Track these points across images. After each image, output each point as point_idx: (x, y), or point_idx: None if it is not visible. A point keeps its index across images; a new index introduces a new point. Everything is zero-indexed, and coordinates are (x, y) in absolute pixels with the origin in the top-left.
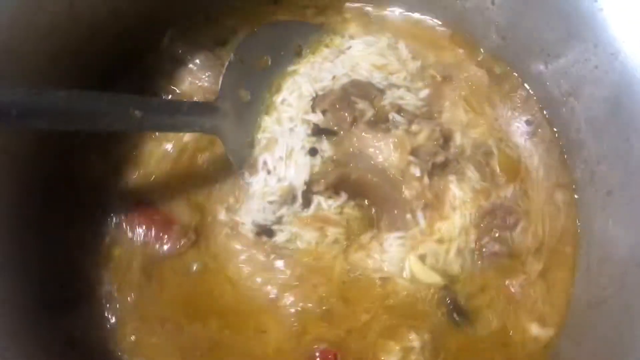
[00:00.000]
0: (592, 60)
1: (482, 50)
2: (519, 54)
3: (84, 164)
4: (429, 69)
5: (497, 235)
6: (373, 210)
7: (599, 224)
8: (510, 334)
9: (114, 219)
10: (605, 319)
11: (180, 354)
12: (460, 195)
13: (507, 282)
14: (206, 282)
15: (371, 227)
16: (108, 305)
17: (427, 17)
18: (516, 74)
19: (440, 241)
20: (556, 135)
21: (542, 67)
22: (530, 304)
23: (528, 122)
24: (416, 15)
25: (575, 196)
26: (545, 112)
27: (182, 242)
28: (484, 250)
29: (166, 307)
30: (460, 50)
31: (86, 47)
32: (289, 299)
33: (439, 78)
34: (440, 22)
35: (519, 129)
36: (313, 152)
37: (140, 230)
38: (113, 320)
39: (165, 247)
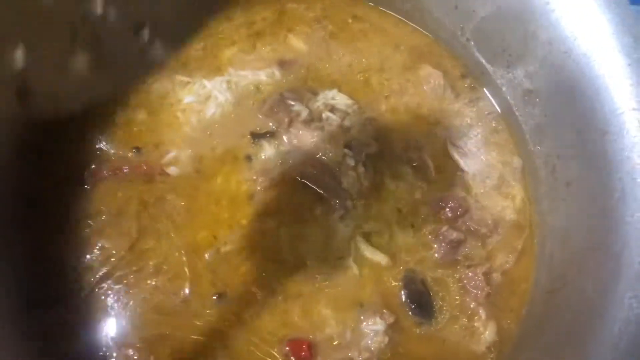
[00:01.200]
0: (548, 59)
1: (443, 51)
2: (483, 56)
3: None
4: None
5: (451, 224)
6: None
7: (559, 214)
8: (470, 323)
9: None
10: (564, 304)
11: None
12: (393, 187)
13: (465, 272)
14: None
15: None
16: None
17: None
18: (476, 76)
19: (381, 222)
20: (515, 133)
21: (505, 67)
22: (491, 294)
23: (478, 124)
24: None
25: (536, 188)
26: (504, 111)
27: None
28: (440, 237)
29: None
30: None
31: None
32: None
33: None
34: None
35: (467, 131)
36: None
37: None
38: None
39: None
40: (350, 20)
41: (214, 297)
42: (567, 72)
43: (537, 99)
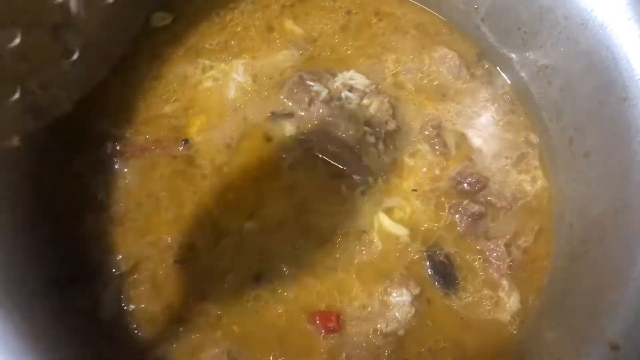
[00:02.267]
0: (564, 33)
1: (458, 32)
2: (497, 35)
3: None
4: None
5: (471, 198)
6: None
7: (577, 185)
8: (494, 293)
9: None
10: (587, 269)
11: None
12: (413, 164)
13: (487, 244)
14: None
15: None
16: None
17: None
18: (490, 56)
19: (402, 197)
20: (530, 110)
21: (520, 45)
22: (513, 265)
23: (493, 103)
24: None
25: (553, 162)
26: (519, 89)
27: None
28: (461, 210)
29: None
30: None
31: None
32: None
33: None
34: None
35: (483, 109)
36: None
37: None
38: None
39: None
40: (366, 4)
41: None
42: (584, 45)
43: (553, 74)
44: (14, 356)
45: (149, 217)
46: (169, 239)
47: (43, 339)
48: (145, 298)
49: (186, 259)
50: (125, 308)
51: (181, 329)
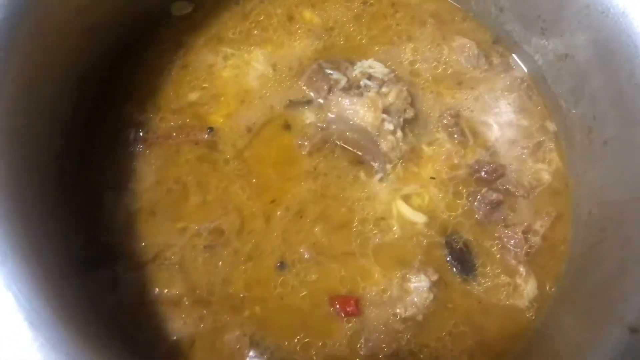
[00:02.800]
0: (584, 21)
1: (475, 21)
2: (516, 24)
3: None
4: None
5: (489, 186)
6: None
7: (595, 173)
8: (511, 280)
9: None
10: (606, 255)
11: None
12: (431, 152)
13: (505, 232)
14: None
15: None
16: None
17: None
18: (508, 45)
19: (420, 185)
20: (548, 99)
21: (539, 33)
22: (530, 252)
23: (511, 92)
24: None
25: (570, 151)
26: (536, 78)
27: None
28: (479, 198)
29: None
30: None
31: (110, 26)
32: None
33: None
34: None
35: (500, 98)
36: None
37: None
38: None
39: None
40: None
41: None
42: (605, 32)
43: (573, 63)
44: (47, 330)
45: (175, 203)
46: (197, 225)
47: (73, 318)
48: (171, 281)
49: (215, 244)
50: (149, 290)
51: (205, 311)
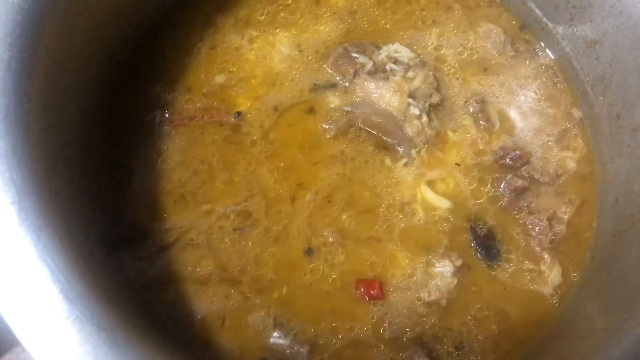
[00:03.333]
0: (616, 6)
1: (501, 7)
2: (544, 10)
3: None
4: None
5: (514, 172)
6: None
7: (623, 160)
8: (536, 267)
9: None
10: (634, 242)
11: None
12: (456, 138)
13: (530, 218)
14: None
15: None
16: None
17: None
18: (534, 31)
19: (445, 170)
20: (574, 86)
21: (567, 19)
22: (555, 240)
23: (536, 79)
24: None
25: (597, 138)
26: (563, 64)
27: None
28: (504, 185)
29: None
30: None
31: (138, 8)
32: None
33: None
34: None
35: (526, 85)
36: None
37: None
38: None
39: None
40: None
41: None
42: (636, 18)
43: (602, 49)
44: (81, 304)
45: (202, 184)
46: (223, 207)
47: (104, 293)
48: (201, 260)
49: (244, 227)
50: (176, 270)
51: (232, 290)
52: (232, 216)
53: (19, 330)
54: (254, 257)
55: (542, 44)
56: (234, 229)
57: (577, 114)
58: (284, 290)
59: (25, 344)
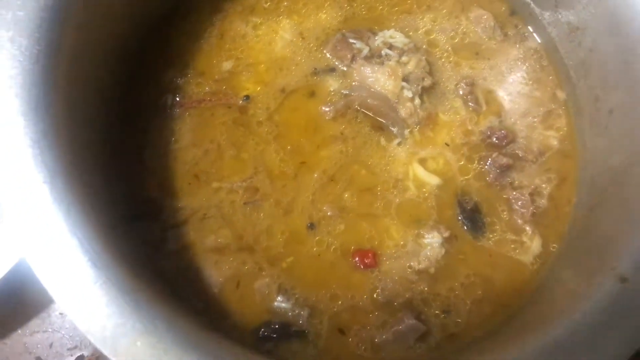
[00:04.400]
0: None
1: None
2: None
3: None
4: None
5: (500, 151)
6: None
7: (601, 139)
8: (518, 238)
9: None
10: (605, 216)
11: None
12: (446, 119)
13: (513, 193)
14: None
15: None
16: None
17: None
18: (523, 16)
19: (435, 149)
20: (559, 69)
21: (552, 6)
22: (537, 213)
23: (524, 62)
24: None
25: (579, 118)
26: (549, 49)
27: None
28: (490, 162)
29: None
30: None
31: None
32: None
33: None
34: None
35: (514, 68)
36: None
37: None
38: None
39: None
40: None
41: (308, 225)
42: (614, 7)
43: (583, 35)
44: (108, 270)
45: (212, 163)
46: (233, 183)
47: (127, 261)
48: (217, 230)
49: (253, 201)
50: (193, 242)
51: (248, 258)
52: (240, 191)
53: (55, 293)
54: (266, 228)
55: (529, 28)
56: (245, 203)
57: (561, 95)
58: (290, 259)
59: (61, 305)
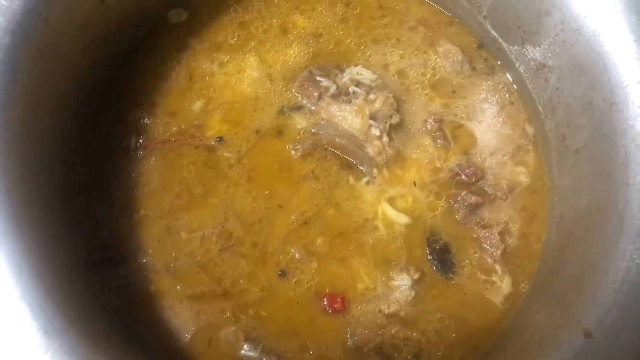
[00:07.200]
0: (560, 35)
1: (461, 28)
2: (499, 32)
3: None
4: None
5: (469, 189)
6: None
7: (568, 178)
8: (488, 277)
9: None
10: (572, 259)
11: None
12: (415, 156)
13: (483, 232)
14: None
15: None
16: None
17: None
18: (491, 51)
19: (404, 187)
20: (528, 105)
21: (520, 42)
22: (506, 252)
23: (493, 96)
24: None
25: (547, 156)
26: (518, 85)
27: None
28: (459, 200)
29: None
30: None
31: (112, 36)
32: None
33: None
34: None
35: (483, 103)
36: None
37: None
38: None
39: None
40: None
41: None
42: (578, 49)
43: (550, 73)
44: (60, 337)
45: (179, 208)
46: (206, 230)
47: (83, 322)
48: (190, 280)
49: (228, 247)
50: (155, 289)
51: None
52: (214, 239)
53: None
54: (232, 273)
55: (499, 63)
56: (220, 250)
57: (530, 130)
58: (257, 306)
59: None
